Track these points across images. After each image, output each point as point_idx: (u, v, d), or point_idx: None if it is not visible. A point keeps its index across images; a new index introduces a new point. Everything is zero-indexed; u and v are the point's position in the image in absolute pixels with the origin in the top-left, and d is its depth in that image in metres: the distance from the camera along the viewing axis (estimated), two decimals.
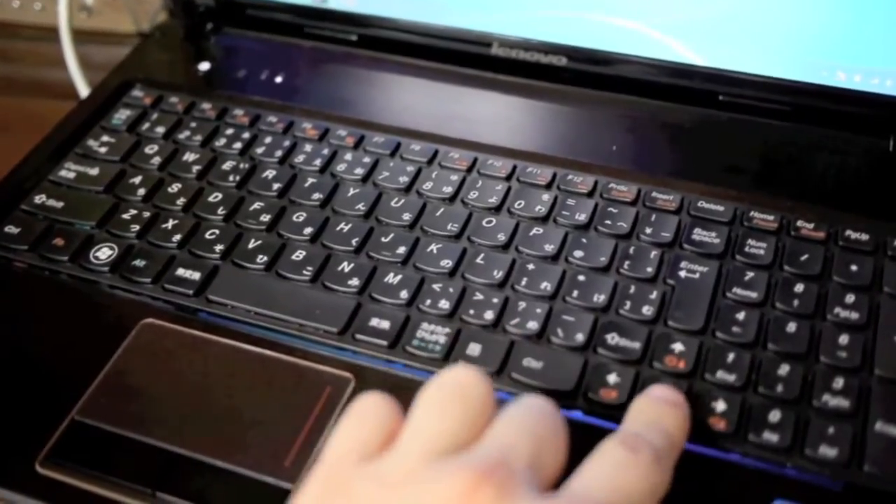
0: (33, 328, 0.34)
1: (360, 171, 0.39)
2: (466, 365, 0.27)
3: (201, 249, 0.36)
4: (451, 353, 0.32)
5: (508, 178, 0.38)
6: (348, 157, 0.39)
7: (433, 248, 0.35)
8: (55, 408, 0.31)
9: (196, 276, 0.35)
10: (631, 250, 0.34)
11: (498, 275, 0.34)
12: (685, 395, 0.28)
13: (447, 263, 0.34)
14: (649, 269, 0.34)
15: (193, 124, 0.42)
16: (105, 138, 0.41)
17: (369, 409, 0.26)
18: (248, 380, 0.32)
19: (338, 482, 0.24)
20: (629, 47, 0.42)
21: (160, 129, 0.41)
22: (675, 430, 0.27)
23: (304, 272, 0.34)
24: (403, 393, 0.31)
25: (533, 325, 0.32)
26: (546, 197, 0.37)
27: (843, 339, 0.31)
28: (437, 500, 0.22)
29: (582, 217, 0.36)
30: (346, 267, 0.34)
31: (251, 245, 0.36)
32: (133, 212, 0.37)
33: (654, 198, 0.36)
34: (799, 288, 0.33)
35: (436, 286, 0.34)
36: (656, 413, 0.27)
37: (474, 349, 0.32)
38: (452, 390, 0.25)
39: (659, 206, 0.36)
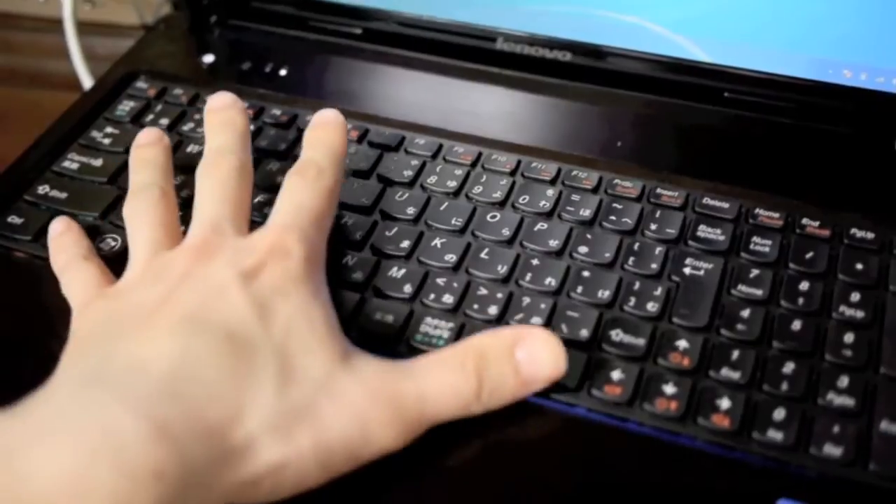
0: (35, 319, 0.34)
1: (363, 164, 0.38)
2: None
3: None
4: None
5: (513, 173, 0.38)
6: (352, 150, 0.39)
7: (437, 242, 0.35)
8: None
9: None
10: (636, 246, 0.34)
11: (502, 270, 0.34)
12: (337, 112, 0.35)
13: (451, 258, 0.34)
14: (654, 266, 0.34)
15: (198, 116, 0.41)
16: (109, 129, 0.41)
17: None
18: None
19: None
20: (634, 43, 0.42)
21: (164, 121, 0.41)
22: (335, 142, 0.34)
23: None
24: None
25: (537, 321, 0.32)
26: (551, 192, 0.37)
27: (849, 337, 0.31)
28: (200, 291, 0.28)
29: (586, 213, 0.36)
30: (349, 261, 0.34)
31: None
32: None
33: (659, 194, 0.36)
34: (804, 286, 0.33)
35: (440, 281, 0.33)
36: (317, 135, 0.34)
37: None
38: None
39: (664, 203, 0.36)
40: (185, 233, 0.32)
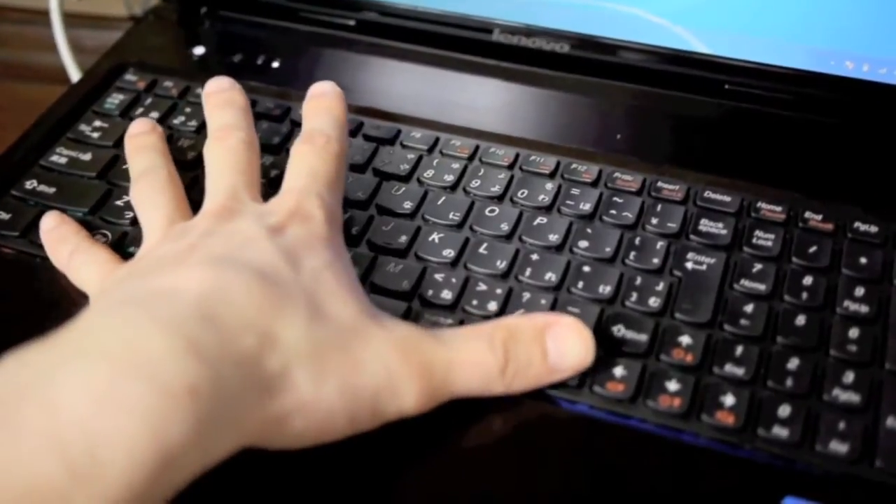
0: (24, 317, 0.33)
1: (359, 158, 0.38)
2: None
3: None
4: None
5: (511, 166, 0.37)
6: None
7: (435, 237, 0.34)
8: None
9: None
10: (637, 241, 0.34)
11: (501, 265, 0.33)
12: (337, 87, 0.35)
13: (449, 253, 0.34)
14: (655, 261, 0.33)
15: (188, 109, 0.41)
16: (98, 123, 0.40)
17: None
18: None
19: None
20: (634, 35, 0.41)
21: (154, 114, 0.40)
22: (335, 109, 0.34)
23: None
24: None
25: None
26: (550, 186, 0.36)
27: (853, 332, 0.31)
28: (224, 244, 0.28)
29: (586, 207, 0.35)
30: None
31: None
32: (127, 198, 0.36)
33: (660, 188, 0.36)
34: (807, 280, 0.32)
35: (438, 276, 0.33)
36: (316, 105, 0.34)
37: None
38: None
39: (665, 197, 0.36)
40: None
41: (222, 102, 0.35)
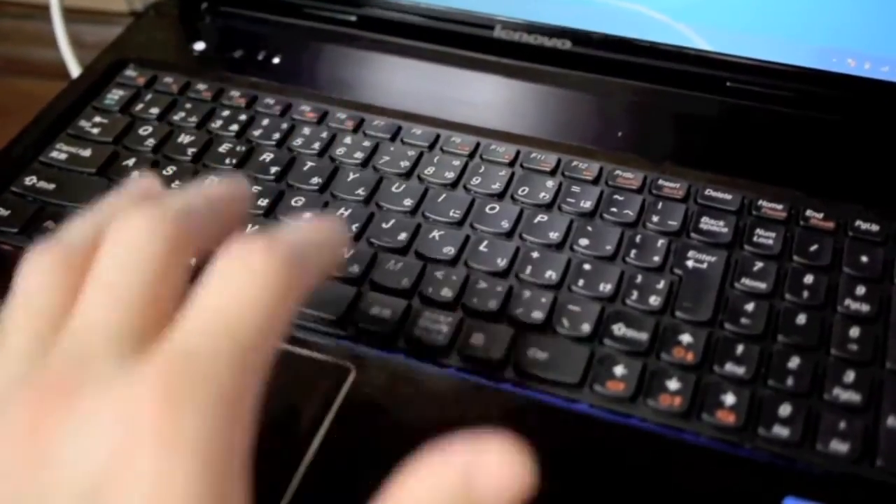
0: None
1: (359, 154, 0.38)
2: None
3: None
4: (454, 343, 0.31)
5: (512, 163, 0.37)
6: (348, 140, 0.38)
7: (435, 234, 0.34)
8: None
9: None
10: (637, 239, 0.34)
11: (502, 263, 0.33)
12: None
13: (449, 251, 0.34)
14: (656, 259, 0.33)
15: (189, 105, 0.41)
16: (97, 119, 0.40)
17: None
18: None
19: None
20: (635, 31, 0.41)
21: (154, 110, 0.40)
22: (327, 234, 0.23)
23: None
24: (407, 384, 0.30)
25: (538, 315, 0.31)
26: (550, 183, 0.36)
27: (854, 331, 0.30)
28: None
29: (587, 204, 0.35)
30: (345, 253, 0.34)
31: (248, 230, 0.35)
32: None
33: (661, 185, 0.36)
34: (808, 279, 0.32)
35: (438, 274, 0.33)
36: (309, 227, 0.23)
37: (478, 338, 0.31)
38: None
39: (665, 194, 0.35)
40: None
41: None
